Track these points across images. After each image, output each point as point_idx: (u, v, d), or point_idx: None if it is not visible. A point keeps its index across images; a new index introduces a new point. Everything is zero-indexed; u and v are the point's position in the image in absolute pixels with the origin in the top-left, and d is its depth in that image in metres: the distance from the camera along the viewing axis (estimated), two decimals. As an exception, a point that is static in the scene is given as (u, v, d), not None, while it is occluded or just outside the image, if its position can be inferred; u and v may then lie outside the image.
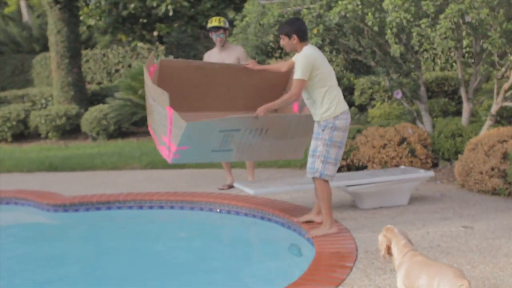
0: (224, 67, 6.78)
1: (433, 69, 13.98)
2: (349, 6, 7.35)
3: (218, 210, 7.17)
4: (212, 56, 7.66)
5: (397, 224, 5.68)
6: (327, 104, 5.46)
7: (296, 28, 5.49)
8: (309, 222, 5.89)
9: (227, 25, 7.61)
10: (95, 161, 10.51)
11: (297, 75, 5.43)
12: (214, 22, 7.59)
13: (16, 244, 6.97)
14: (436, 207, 6.35)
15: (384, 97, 12.73)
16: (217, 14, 16.25)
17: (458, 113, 11.17)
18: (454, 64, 13.98)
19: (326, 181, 5.55)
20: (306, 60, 5.41)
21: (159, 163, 10.02)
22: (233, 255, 6.16)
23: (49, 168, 10.46)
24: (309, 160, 5.59)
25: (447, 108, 11.64)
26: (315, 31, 7.69)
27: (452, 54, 13.94)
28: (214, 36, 7.61)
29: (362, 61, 14.28)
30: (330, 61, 12.86)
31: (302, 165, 9.16)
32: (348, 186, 6.31)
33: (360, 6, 7.35)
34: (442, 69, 14.08)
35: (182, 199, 7.48)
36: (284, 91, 6.79)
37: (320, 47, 8.03)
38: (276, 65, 6.34)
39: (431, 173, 6.56)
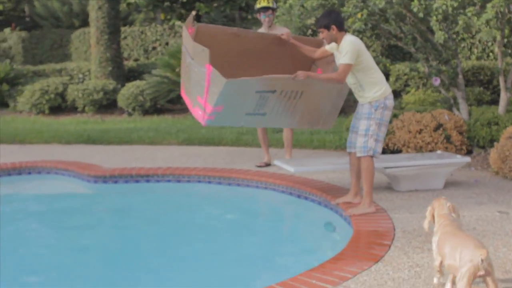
0: (258, 36, 6.82)
1: (470, 58, 13.95)
2: (396, -9, 7.42)
3: (255, 186, 7.31)
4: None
5: (433, 207, 5.82)
6: (377, 86, 5.69)
7: (334, 19, 5.66)
8: (347, 203, 6.02)
9: (275, 6, 7.69)
10: (132, 136, 10.72)
11: (344, 59, 5.57)
12: (263, 2, 7.67)
13: (56, 213, 7.16)
14: (471, 192, 6.44)
15: (419, 84, 12.75)
16: (256, -5, 16.31)
17: (493, 102, 11.18)
18: (490, 53, 13.94)
19: (372, 160, 5.71)
20: (353, 45, 5.58)
21: (195, 140, 10.21)
22: (271, 232, 6.31)
23: (87, 141, 10.69)
24: (361, 139, 5.71)
25: (482, 97, 11.66)
26: (359, 15, 7.78)
27: (490, 43, 13.90)
28: (262, 16, 7.70)
29: (398, 47, 14.33)
30: (367, 46, 12.86)
31: (337, 146, 9.29)
32: (387, 168, 6.42)
33: (406, -9, 7.42)
34: (478, 58, 14.04)
35: (220, 175, 7.64)
36: (313, 64, 6.82)
37: (363, 32, 8.12)
38: (310, 48, 6.41)
39: (467, 158, 6.65)
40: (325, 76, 5.92)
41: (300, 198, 6.83)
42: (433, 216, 4.09)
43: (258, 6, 7.69)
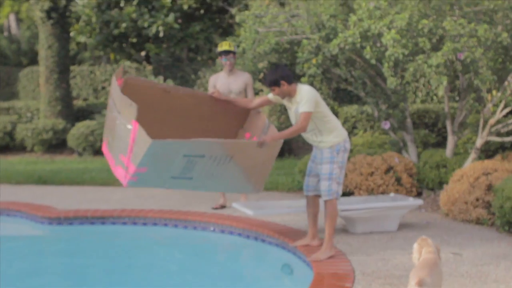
0: (188, 94, 6.50)
1: (415, 102, 14.39)
2: (349, 39, 7.71)
3: (212, 229, 7.37)
4: (219, 79, 7.82)
5: (388, 249, 6.03)
6: (335, 131, 5.87)
7: (281, 74, 5.75)
8: (305, 246, 6.14)
9: (236, 49, 7.85)
10: (84, 176, 10.66)
11: (304, 108, 5.70)
12: (224, 46, 7.75)
13: (9, 256, 7.06)
14: (424, 234, 6.60)
15: (367, 126, 13.07)
16: (206, 38, 16.57)
17: (438, 144, 11.55)
18: (434, 97, 14.42)
19: (336, 203, 5.88)
20: (311, 94, 5.73)
21: (148, 181, 10.20)
22: (228, 275, 6.33)
23: (38, 181, 10.60)
24: (325, 183, 5.84)
25: (428, 139, 12.01)
26: (314, 61, 8.02)
27: (434, 87, 14.37)
28: (223, 59, 7.77)
29: (345, 90, 14.70)
30: (316, 89, 13.15)
31: (289, 188, 9.45)
32: (343, 210, 6.58)
33: (359, 40, 7.72)
34: (423, 101, 14.50)
35: (176, 217, 7.66)
36: (241, 128, 6.67)
37: (316, 76, 8.38)
38: (245, 100, 6.53)
39: (420, 201, 6.88)
40: (289, 131, 5.87)
41: (257, 241, 6.90)
42: (420, 254, 4.42)
43: (219, 49, 7.79)
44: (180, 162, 5.50)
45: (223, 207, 8.06)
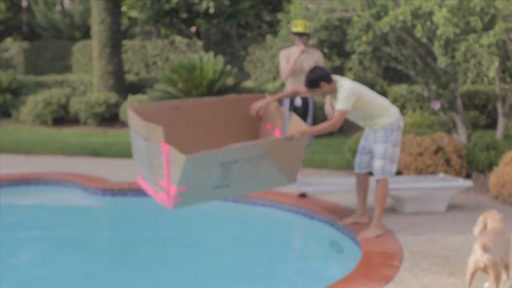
0: (198, 103, 6.49)
1: (465, 82, 14.25)
2: (400, 17, 7.71)
3: (261, 204, 7.50)
4: (292, 55, 7.58)
5: (436, 230, 6.09)
6: (387, 111, 5.93)
7: (320, 76, 5.82)
8: (354, 223, 6.24)
9: (311, 30, 7.64)
10: (136, 150, 10.88)
11: (339, 106, 5.79)
12: (299, 27, 7.54)
13: (63, 225, 7.30)
14: (473, 216, 6.64)
15: (416, 106, 13.02)
16: (255, 15, 16.63)
17: (488, 126, 11.47)
18: (485, 78, 14.25)
19: (388, 183, 5.96)
20: (349, 93, 5.77)
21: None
22: (278, 251, 6.44)
23: (91, 153, 10.88)
24: (379, 162, 5.91)
25: (477, 121, 11.93)
26: (364, 38, 8.05)
27: (484, 68, 14.20)
28: (297, 39, 7.59)
29: (395, 69, 14.64)
30: (366, 68, 13.18)
31: (338, 166, 9.51)
32: (393, 189, 6.65)
33: (410, 18, 7.72)
34: (473, 82, 14.35)
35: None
36: (261, 120, 6.62)
37: (366, 54, 8.40)
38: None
39: (469, 182, 6.90)
40: (320, 127, 5.91)
41: (305, 217, 7.02)
42: (484, 224, 4.68)
43: (294, 29, 7.59)
44: (217, 171, 5.56)
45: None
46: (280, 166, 5.99)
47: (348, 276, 4.84)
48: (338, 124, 5.81)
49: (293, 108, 7.45)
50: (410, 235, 5.91)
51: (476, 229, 4.69)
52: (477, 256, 4.22)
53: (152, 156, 5.63)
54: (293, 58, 7.50)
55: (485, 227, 4.69)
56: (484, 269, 4.25)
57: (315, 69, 5.89)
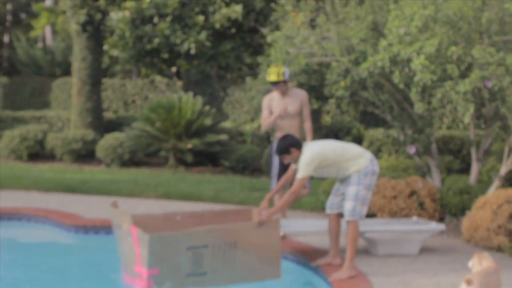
0: (188, 216, 6.55)
1: (440, 128, 14.45)
2: (379, 63, 7.85)
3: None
4: (275, 101, 7.50)
5: (409, 272, 6.10)
6: (359, 158, 6.04)
7: (290, 142, 6.04)
8: (327, 265, 6.24)
9: (286, 77, 7.35)
10: (111, 187, 10.85)
11: (299, 174, 5.94)
12: (272, 76, 7.33)
13: (34, 261, 7.21)
14: (445, 259, 6.71)
15: (392, 150, 13.14)
16: (236, 57, 16.80)
17: (462, 171, 11.58)
18: (460, 124, 14.46)
19: (358, 225, 6.01)
20: (308, 160, 5.92)
21: (174, 195, 10.39)
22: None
23: (66, 189, 10.81)
24: (350, 203, 5.98)
25: (452, 165, 12.04)
26: (342, 83, 8.16)
27: (460, 114, 14.42)
28: (274, 88, 7.50)
29: (371, 113, 14.80)
30: (343, 112, 13.30)
31: (313, 208, 9.54)
32: (366, 232, 6.67)
33: (388, 64, 7.86)
34: (448, 128, 14.55)
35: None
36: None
37: (344, 99, 8.52)
38: (284, 181, 6.40)
39: (442, 226, 6.95)
40: (283, 202, 6.03)
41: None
42: (481, 265, 4.88)
43: (267, 79, 7.46)
44: (187, 256, 5.60)
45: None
46: (257, 256, 5.94)
47: (319, 317, 4.82)
48: (298, 192, 5.97)
49: None
50: (383, 277, 5.92)
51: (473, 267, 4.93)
52: None
53: (126, 243, 5.75)
54: (275, 105, 7.43)
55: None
56: None
57: (286, 137, 6.12)
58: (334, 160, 5.99)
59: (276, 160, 7.39)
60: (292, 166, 6.22)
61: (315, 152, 5.94)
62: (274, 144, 7.45)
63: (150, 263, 5.48)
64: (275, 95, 7.54)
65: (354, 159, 6.03)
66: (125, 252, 5.90)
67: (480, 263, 4.87)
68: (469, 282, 4.38)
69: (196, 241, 5.63)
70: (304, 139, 7.33)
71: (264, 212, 6.02)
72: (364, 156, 6.06)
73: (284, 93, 7.45)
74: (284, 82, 7.39)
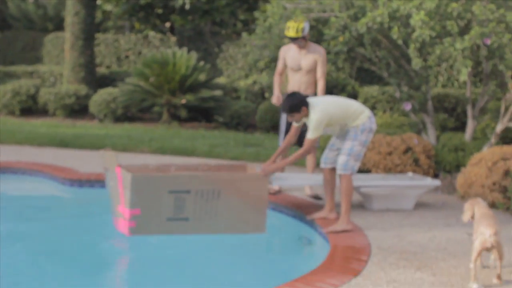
0: (182, 168, 6.55)
1: (436, 86, 14.41)
2: (378, 19, 7.78)
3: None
4: (290, 53, 7.33)
5: (404, 227, 6.14)
6: (360, 114, 6.05)
7: (301, 99, 5.92)
8: (322, 218, 6.26)
9: (305, 33, 7.12)
10: (105, 142, 10.80)
11: (310, 135, 5.93)
12: (291, 32, 7.09)
13: (29, 214, 7.22)
14: (440, 214, 6.75)
15: (386, 108, 13.12)
16: (231, 12, 16.63)
17: (456, 129, 11.60)
18: (455, 82, 14.43)
19: (351, 178, 6.01)
20: (317, 122, 5.88)
21: (168, 149, 10.37)
22: (245, 244, 6.44)
23: (60, 144, 10.76)
24: (343, 158, 5.99)
25: (446, 123, 12.06)
26: (340, 39, 8.09)
27: (455, 72, 14.38)
28: (292, 42, 7.26)
29: (367, 70, 14.72)
30: (339, 68, 13.20)
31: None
32: (362, 186, 6.69)
33: (387, 19, 7.78)
34: (443, 86, 14.51)
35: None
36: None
37: (341, 54, 8.45)
38: (286, 144, 6.34)
39: (437, 182, 6.98)
40: (293, 157, 6.03)
41: (274, 212, 7.00)
42: (472, 211, 4.94)
43: (285, 33, 7.25)
44: (169, 200, 5.67)
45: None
46: (241, 208, 5.92)
47: (316, 269, 4.85)
48: (310, 151, 6.05)
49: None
50: (378, 231, 5.95)
51: (465, 216, 4.95)
52: (485, 237, 4.57)
53: (112, 184, 5.86)
54: (290, 57, 7.27)
55: (472, 215, 4.93)
56: (490, 249, 4.62)
57: (294, 94, 6.04)
58: (339, 118, 5.99)
59: (284, 116, 7.30)
60: (294, 125, 6.14)
61: (324, 112, 5.89)
62: (283, 116, 7.34)
63: (132, 203, 5.59)
64: (292, 46, 7.34)
65: (355, 115, 6.03)
66: (113, 195, 6.00)
67: (471, 209, 4.96)
68: (497, 233, 4.61)
69: (178, 185, 5.69)
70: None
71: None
72: (364, 113, 6.07)
73: (302, 48, 7.24)
74: (303, 38, 7.13)
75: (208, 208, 5.82)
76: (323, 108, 5.92)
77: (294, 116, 5.96)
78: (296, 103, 5.90)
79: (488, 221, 4.70)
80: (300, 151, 6.01)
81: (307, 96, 6.08)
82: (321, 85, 7.24)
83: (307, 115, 5.96)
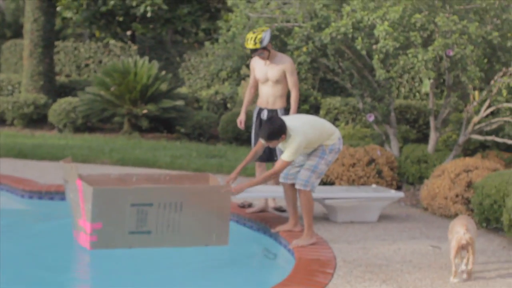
0: (144, 178, 6.47)
1: (397, 97, 14.52)
2: (342, 29, 7.77)
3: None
4: (257, 65, 7.03)
5: (369, 239, 6.11)
6: (330, 136, 6.00)
7: (282, 130, 5.72)
8: (287, 231, 6.20)
9: (264, 44, 6.73)
10: (65, 152, 10.59)
11: (287, 157, 5.78)
12: (249, 43, 6.77)
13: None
14: (404, 226, 6.75)
15: (349, 119, 13.16)
16: (193, 21, 16.53)
17: (418, 140, 11.67)
18: (417, 93, 14.57)
19: (311, 194, 5.94)
20: (298, 147, 5.75)
21: (129, 161, 10.21)
22: (209, 258, 6.34)
23: (18, 155, 10.51)
24: (306, 173, 5.91)
25: (408, 135, 12.13)
26: (304, 49, 8.06)
27: (417, 84, 14.53)
28: (252, 54, 7.01)
29: (329, 81, 14.78)
30: (303, 79, 13.23)
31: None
32: (326, 199, 6.65)
33: (351, 30, 7.78)
34: (405, 97, 14.64)
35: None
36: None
37: (304, 64, 8.44)
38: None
39: (401, 194, 6.99)
40: (262, 178, 5.93)
41: (238, 225, 6.94)
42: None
43: (245, 45, 6.94)
44: (131, 213, 5.63)
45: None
46: (204, 220, 5.88)
47: (281, 283, 4.79)
48: (279, 172, 5.90)
49: (260, 122, 7.03)
50: (343, 244, 5.91)
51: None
52: (460, 235, 4.90)
53: (73, 198, 5.79)
54: (257, 70, 7.02)
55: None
56: (466, 246, 4.93)
57: (272, 120, 5.83)
58: (315, 141, 5.91)
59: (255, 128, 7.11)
60: (260, 140, 5.98)
61: (304, 137, 5.75)
62: (256, 111, 7.15)
63: (94, 217, 5.53)
64: (257, 59, 7.06)
65: (327, 135, 5.99)
66: (73, 208, 5.90)
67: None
68: (467, 228, 4.94)
69: (140, 198, 5.66)
70: (288, 109, 7.00)
71: (231, 183, 6.00)
72: (335, 134, 6.04)
73: (265, 59, 6.90)
74: (264, 48, 6.78)
75: (171, 221, 5.79)
76: (302, 132, 5.77)
77: (272, 142, 5.82)
78: (275, 132, 5.71)
79: (461, 221, 5.07)
80: (271, 171, 5.89)
81: (283, 121, 5.81)
82: (294, 95, 6.93)
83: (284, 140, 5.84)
